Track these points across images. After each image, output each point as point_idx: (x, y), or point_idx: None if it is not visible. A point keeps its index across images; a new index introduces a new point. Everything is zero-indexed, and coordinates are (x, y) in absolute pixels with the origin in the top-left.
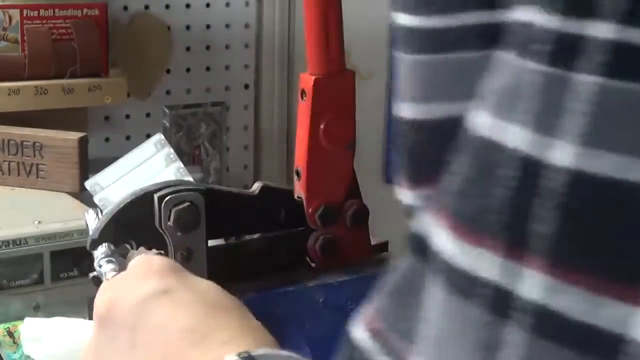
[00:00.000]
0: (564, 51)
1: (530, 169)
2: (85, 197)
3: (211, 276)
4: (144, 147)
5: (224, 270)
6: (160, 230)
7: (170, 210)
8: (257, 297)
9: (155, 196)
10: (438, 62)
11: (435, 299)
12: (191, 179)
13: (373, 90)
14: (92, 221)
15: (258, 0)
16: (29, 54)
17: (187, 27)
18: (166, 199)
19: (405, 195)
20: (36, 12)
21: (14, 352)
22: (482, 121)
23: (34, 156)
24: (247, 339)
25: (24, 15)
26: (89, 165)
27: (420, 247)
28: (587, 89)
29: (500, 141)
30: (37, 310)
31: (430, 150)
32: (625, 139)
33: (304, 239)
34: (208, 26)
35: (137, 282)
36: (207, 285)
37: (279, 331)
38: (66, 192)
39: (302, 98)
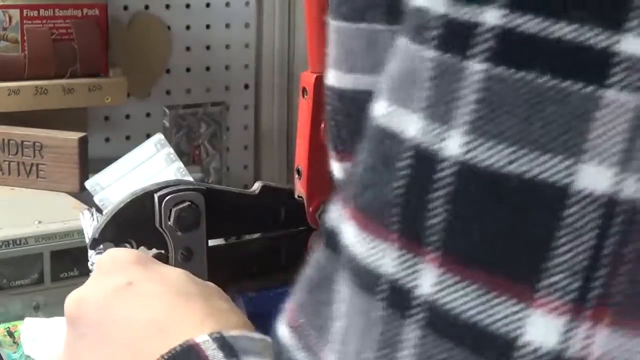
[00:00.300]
0: (455, 37)
1: (424, 160)
2: (85, 197)
3: (211, 276)
4: (144, 147)
5: (224, 270)
6: (160, 230)
7: (171, 210)
8: (257, 297)
9: (156, 196)
10: (352, 31)
11: (344, 294)
12: (191, 179)
13: None
14: (88, 223)
15: (258, 0)
16: (29, 54)
17: (187, 27)
18: (166, 198)
19: (334, 166)
20: (36, 12)
21: (14, 352)
22: (379, 108)
23: (34, 156)
24: (213, 323)
25: (24, 15)
26: (89, 165)
27: (332, 239)
28: (476, 77)
29: (395, 129)
30: (37, 310)
31: (348, 120)
32: (512, 129)
33: (304, 239)
34: (208, 26)
35: (102, 278)
36: (174, 274)
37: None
38: (66, 192)
39: (304, 96)
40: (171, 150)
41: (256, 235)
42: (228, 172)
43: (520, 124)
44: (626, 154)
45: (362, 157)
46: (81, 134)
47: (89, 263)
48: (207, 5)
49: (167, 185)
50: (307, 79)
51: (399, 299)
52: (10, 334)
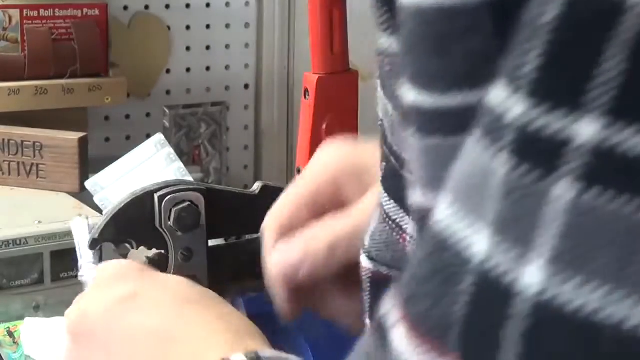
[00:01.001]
0: (536, 151)
1: (493, 289)
2: (85, 197)
3: (211, 276)
4: (144, 147)
5: (225, 270)
6: (160, 230)
7: (170, 210)
8: (257, 297)
9: (156, 196)
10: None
11: None
12: (191, 179)
13: (373, 90)
14: (80, 231)
15: (258, 0)
16: (29, 54)
17: (187, 27)
18: (166, 198)
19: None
20: (36, 12)
21: (14, 352)
22: (441, 212)
23: (34, 156)
24: (222, 327)
25: (24, 15)
26: (89, 165)
27: (381, 332)
28: (562, 202)
29: (458, 242)
30: (37, 310)
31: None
32: (606, 268)
33: None
34: (208, 26)
35: (103, 290)
36: (176, 282)
37: (279, 331)
38: (66, 192)
39: (305, 97)
40: (171, 150)
41: (256, 235)
42: (228, 172)
43: (616, 262)
44: None
45: (418, 258)
46: (81, 134)
47: (79, 274)
48: (207, 5)
49: (167, 185)
50: (309, 79)
51: None
52: (10, 334)
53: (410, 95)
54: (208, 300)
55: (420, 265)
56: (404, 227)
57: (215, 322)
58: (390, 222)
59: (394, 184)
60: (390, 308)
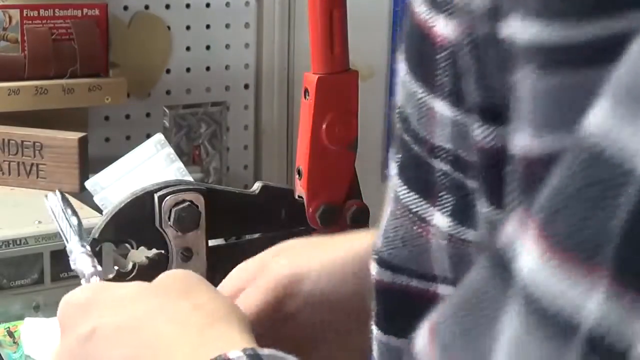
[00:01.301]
0: None
1: None
2: (85, 197)
3: (211, 276)
4: (144, 147)
5: (224, 271)
6: (160, 230)
7: (170, 210)
8: None
9: (156, 196)
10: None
11: (511, 332)
12: (191, 179)
13: (373, 90)
14: (56, 206)
15: (258, 0)
16: (29, 54)
17: (187, 27)
18: (166, 198)
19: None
20: (36, 12)
21: (14, 352)
22: (597, 119)
23: (34, 156)
24: (193, 329)
25: (24, 15)
26: (89, 165)
27: (501, 264)
28: None
29: (619, 152)
30: (37, 310)
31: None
32: None
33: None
34: (208, 26)
35: (67, 333)
36: (130, 294)
37: None
38: (66, 192)
39: (305, 97)
40: (171, 150)
41: (256, 235)
42: (228, 172)
43: None
44: None
45: (560, 175)
46: (81, 134)
47: (71, 261)
48: (207, 5)
49: (167, 185)
50: (309, 79)
51: (596, 353)
52: (10, 334)
53: (531, 30)
54: (169, 305)
55: (566, 181)
56: (428, 219)
57: (177, 326)
58: (411, 215)
59: (417, 174)
60: (517, 237)
